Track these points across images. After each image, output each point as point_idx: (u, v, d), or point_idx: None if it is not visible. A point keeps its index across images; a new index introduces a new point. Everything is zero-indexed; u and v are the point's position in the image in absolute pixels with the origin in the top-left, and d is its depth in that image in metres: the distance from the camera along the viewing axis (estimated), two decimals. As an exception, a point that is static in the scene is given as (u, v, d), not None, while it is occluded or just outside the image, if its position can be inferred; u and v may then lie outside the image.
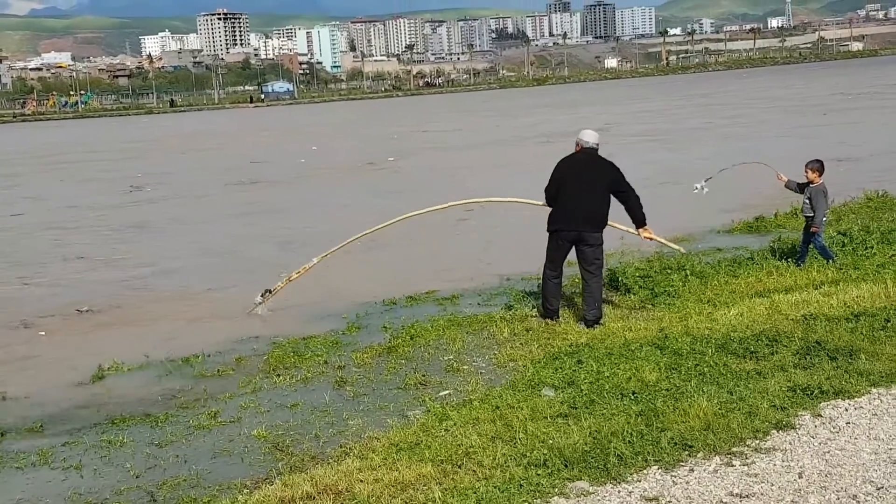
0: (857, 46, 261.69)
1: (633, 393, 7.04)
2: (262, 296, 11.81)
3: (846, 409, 6.46)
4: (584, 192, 9.56)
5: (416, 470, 5.92)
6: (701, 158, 26.50)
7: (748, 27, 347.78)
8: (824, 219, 11.41)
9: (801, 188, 11.44)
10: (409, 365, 8.84)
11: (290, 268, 12.31)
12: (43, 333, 11.85)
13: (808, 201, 11.31)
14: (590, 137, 9.83)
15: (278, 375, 8.92)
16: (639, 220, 9.99)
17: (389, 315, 11.30)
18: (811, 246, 11.44)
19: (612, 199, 9.79)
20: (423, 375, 8.40)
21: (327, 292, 12.92)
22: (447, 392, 7.91)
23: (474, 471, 5.87)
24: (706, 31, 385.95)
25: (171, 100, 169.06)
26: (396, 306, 11.83)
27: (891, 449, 5.78)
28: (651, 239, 10.47)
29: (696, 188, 12.07)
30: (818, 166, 11.31)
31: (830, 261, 11.26)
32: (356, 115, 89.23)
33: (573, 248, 9.74)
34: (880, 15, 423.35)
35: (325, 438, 7.04)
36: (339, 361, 9.19)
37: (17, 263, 17.41)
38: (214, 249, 17.97)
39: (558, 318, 9.92)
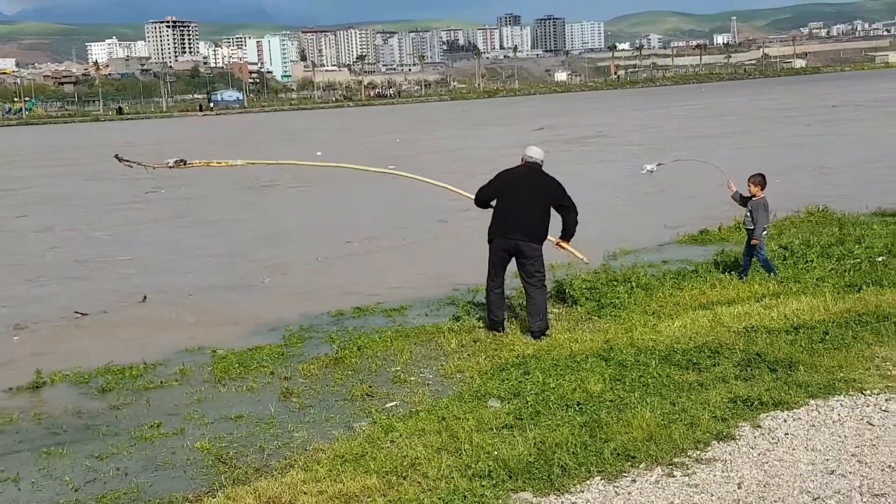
0: (800, 64, 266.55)
1: (578, 404, 7.08)
2: (174, 161, 10.57)
3: (785, 421, 6.55)
4: (524, 204, 9.64)
5: (361, 482, 5.90)
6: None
7: (694, 43, 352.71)
8: (765, 232, 11.59)
9: (744, 201, 11.62)
10: (356, 376, 8.81)
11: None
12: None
13: (749, 214, 11.49)
14: (535, 153, 9.95)
15: (223, 386, 8.84)
16: (567, 236, 10.05)
17: (337, 326, 11.25)
18: (754, 259, 11.61)
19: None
20: (370, 387, 8.38)
21: (276, 302, 12.85)
22: (394, 403, 7.90)
23: (419, 482, 5.86)
24: (654, 47, 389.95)
25: (119, 107, 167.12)
26: (344, 317, 11.78)
27: (827, 460, 5.88)
28: (563, 248, 10.42)
29: (645, 169, 12.26)
30: (760, 180, 11.50)
31: (772, 274, 11.43)
32: (326, 123, 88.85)
33: (513, 259, 9.80)
34: (823, 33, 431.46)
35: (270, 450, 6.98)
36: (285, 372, 9.13)
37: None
38: (163, 258, 17.79)
39: (504, 329, 9.95)
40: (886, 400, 6.82)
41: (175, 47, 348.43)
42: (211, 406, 8.27)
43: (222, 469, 6.67)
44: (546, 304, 9.92)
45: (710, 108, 75.26)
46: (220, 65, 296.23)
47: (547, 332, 9.63)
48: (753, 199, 11.43)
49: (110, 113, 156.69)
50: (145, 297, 13.49)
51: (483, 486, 5.72)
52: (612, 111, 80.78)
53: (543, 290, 9.87)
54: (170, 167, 10.52)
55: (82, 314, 12.81)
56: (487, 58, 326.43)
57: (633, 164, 24.06)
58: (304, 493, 5.84)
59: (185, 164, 10.53)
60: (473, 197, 10.19)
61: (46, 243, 20.78)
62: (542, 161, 9.95)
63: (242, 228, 21.55)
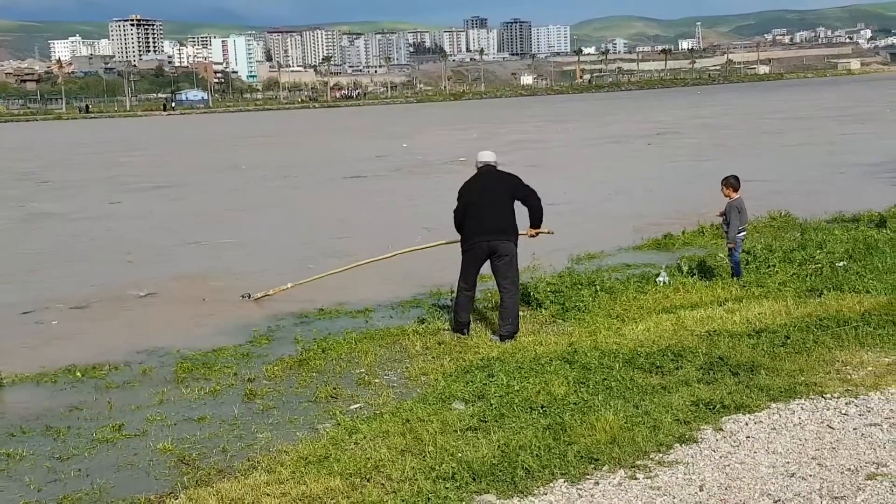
0: (763, 70, 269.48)
1: (542, 407, 7.12)
2: (241, 297, 12.76)
3: (746, 424, 6.62)
4: (489, 204, 9.75)
5: (325, 483, 5.90)
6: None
7: (660, 48, 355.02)
8: (740, 234, 11.65)
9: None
10: (321, 378, 8.79)
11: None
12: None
13: (723, 216, 11.61)
14: (486, 157, 10.10)
15: (186, 387, 8.78)
16: (534, 223, 10.12)
17: (301, 328, 11.21)
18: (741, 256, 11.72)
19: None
20: (335, 388, 8.36)
21: (241, 303, 12.78)
22: (358, 405, 7.89)
23: (383, 484, 5.87)
24: (619, 51, 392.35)
25: (86, 105, 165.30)
26: (309, 319, 11.74)
27: (788, 462, 5.95)
28: (535, 234, 10.42)
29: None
30: (733, 182, 11.60)
31: (738, 278, 11.54)
32: (295, 125, 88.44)
33: (488, 261, 9.86)
34: (786, 40, 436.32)
35: (233, 452, 6.95)
36: (249, 374, 9.09)
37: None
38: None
39: (468, 332, 9.97)
40: (846, 403, 6.91)
41: (139, 46, 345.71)
42: (174, 407, 8.22)
43: (185, 470, 6.63)
44: (517, 307, 9.93)
45: (743, 107, 76.06)
46: (185, 64, 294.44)
47: (515, 336, 9.66)
48: (727, 201, 11.54)
49: (72, 112, 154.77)
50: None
51: (447, 488, 5.73)
52: (650, 110, 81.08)
53: (516, 293, 9.89)
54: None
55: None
56: (454, 60, 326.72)
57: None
58: (267, 494, 5.83)
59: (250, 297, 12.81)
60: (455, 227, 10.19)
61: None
62: (495, 162, 10.08)
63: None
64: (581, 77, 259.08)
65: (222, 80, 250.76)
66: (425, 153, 41.07)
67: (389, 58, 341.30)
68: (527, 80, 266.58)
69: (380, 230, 19.18)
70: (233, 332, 11.15)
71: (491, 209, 9.74)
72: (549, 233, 10.64)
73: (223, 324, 11.70)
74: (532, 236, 10.40)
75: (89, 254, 18.49)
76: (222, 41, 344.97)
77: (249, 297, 12.85)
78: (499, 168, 10.10)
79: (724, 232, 11.75)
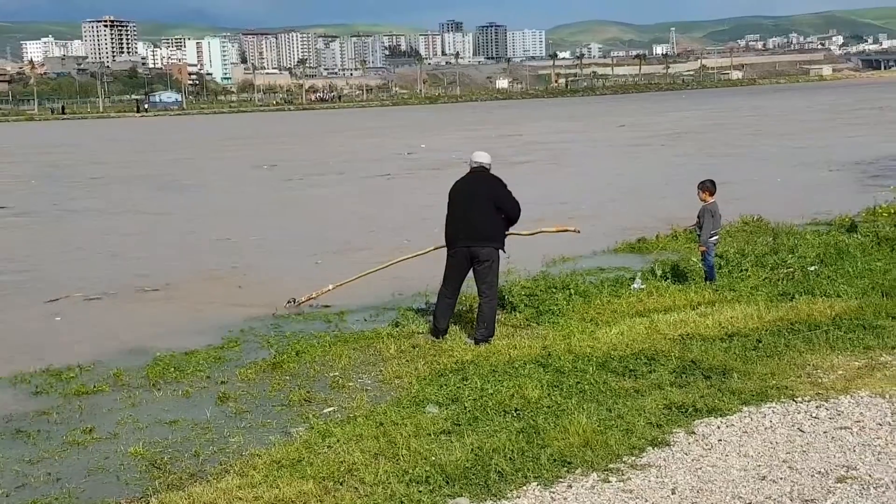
0: (736, 75, 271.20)
1: (516, 410, 7.13)
2: (287, 303, 12.35)
3: (718, 427, 6.66)
4: (470, 208, 9.73)
5: (297, 487, 5.88)
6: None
7: (634, 53, 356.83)
8: (713, 238, 11.71)
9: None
10: (294, 381, 8.76)
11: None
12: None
13: (697, 220, 11.68)
14: (479, 157, 10.03)
15: (158, 390, 8.73)
16: (507, 226, 9.97)
17: (275, 330, 11.17)
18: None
19: None
20: (308, 392, 8.34)
21: (215, 305, 12.73)
22: (331, 409, 7.87)
23: (356, 488, 5.86)
24: (594, 56, 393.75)
25: (62, 106, 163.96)
26: (283, 321, 11.70)
27: (759, 465, 5.99)
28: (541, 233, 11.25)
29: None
30: (709, 186, 11.69)
31: (711, 282, 11.60)
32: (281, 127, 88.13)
33: (471, 269, 9.81)
34: (759, 46, 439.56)
35: (205, 456, 6.91)
36: (221, 377, 9.05)
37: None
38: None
39: (445, 337, 9.91)
40: (817, 407, 6.97)
41: (113, 47, 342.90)
42: (145, 410, 8.17)
43: (156, 474, 6.59)
44: (494, 312, 9.87)
45: (760, 109, 76.95)
46: (159, 66, 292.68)
47: (489, 340, 9.63)
48: (702, 205, 11.61)
49: (44, 113, 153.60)
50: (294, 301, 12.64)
51: (420, 491, 5.73)
52: (664, 111, 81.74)
53: (493, 298, 9.83)
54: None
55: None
56: (429, 64, 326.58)
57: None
58: (240, 498, 5.80)
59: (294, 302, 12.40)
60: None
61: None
62: (488, 164, 10.02)
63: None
64: (556, 81, 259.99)
65: (196, 82, 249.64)
66: (446, 152, 41.24)
67: (365, 61, 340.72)
68: (502, 83, 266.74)
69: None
70: (207, 335, 11.09)
71: (470, 215, 9.69)
72: (575, 231, 10.89)
73: (196, 326, 11.64)
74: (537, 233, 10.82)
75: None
76: (197, 43, 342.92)
77: (294, 302, 12.37)
78: (490, 171, 10.01)
79: (697, 235, 11.83)
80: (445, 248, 10.08)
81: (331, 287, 12.55)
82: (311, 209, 25.05)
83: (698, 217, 11.67)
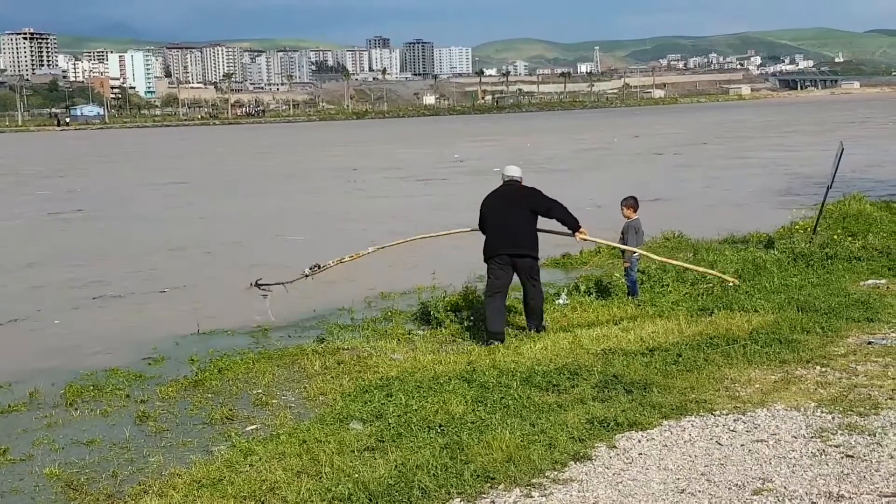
0: (658, 94, 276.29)
1: (440, 426, 7.11)
2: (310, 268, 11.16)
3: (639, 441, 6.73)
4: (505, 219, 10.23)
5: (218, 507, 5.78)
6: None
7: (559, 71, 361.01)
8: (636, 255, 11.86)
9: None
10: (216, 399, 8.64)
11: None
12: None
13: (621, 236, 11.83)
14: (512, 171, 10.58)
15: (76, 410, 8.54)
16: (570, 226, 10.50)
17: (198, 347, 11.02)
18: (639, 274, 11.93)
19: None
20: (230, 410, 8.23)
21: (137, 321, 12.52)
22: (254, 427, 7.77)
23: (278, 506, 5.78)
24: (520, 73, 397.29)
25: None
26: (206, 338, 11.55)
27: (678, 479, 6.05)
28: (587, 240, 11.06)
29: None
30: (632, 203, 11.86)
31: (634, 297, 11.75)
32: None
33: (514, 273, 10.28)
34: (681, 65, 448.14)
35: (124, 476, 6.77)
36: (141, 395, 8.89)
37: None
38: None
39: (503, 340, 10.08)
40: (734, 420, 7.08)
41: (33, 60, 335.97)
42: (62, 430, 7.98)
43: (73, 496, 6.44)
44: (542, 307, 10.58)
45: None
46: (81, 79, 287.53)
47: (541, 332, 10.23)
48: (626, 221, 11.77)
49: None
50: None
51: (343, 509, 5.68)
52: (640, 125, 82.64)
53: (539, 294, 10.47)
54: (307, 276, 10.93)
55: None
56: (356, 79, 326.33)
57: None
58: (159, 519, 5.69)
59: (319, 268, 11.06)
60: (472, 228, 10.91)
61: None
62: (519, 177, 10.54)
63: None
64: (483, 98, 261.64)
65: (119, 96, 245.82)
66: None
67: (291, 76, 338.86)
68: (429, 100, 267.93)
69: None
70: (126, 352, 10.90)
71: (508, 225, 10.19)
72: (733, 283, 11.48)
73: (116, 343, 11.44)
74: (583, 239, 10.80)
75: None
76: (120, 56, 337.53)
77: (318, 267, 11.08)
78: (522, 183, 10.50)
79: (621, 251, 11.97)
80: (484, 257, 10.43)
81: (306, 271, 11.18)
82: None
83: (622, 233, 11.83)
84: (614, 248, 12.14)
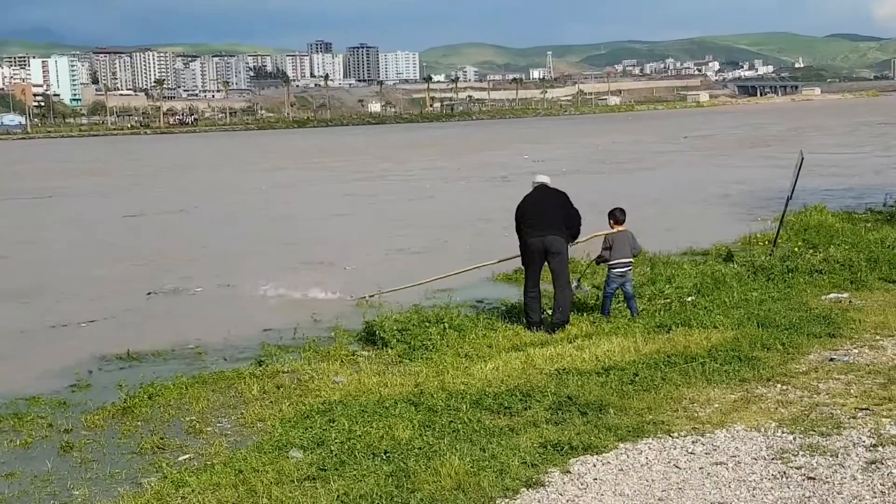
0: (614, 101, 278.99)
1: (386, 452, 7.10)
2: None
3: (594, 465, 6.76)
4: (545, 209, 11.60)
5: (148, 543, 5.71)
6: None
7: (511, 77, 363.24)
8: (618, 270, 11.83)
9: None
10: (147, 427, 8.53)
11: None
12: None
13: (609, 247, 11.90)
14: (542, 178, 12.16)
15: (-7, 441, 8.38)
16: (573, 236, 11.79)
17: (127, 372, 10.88)
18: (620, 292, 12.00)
19: None
20: (162, 438, 8.13)
21: (60, 344, 12.33)
22: (187, 456, 7.69)
23: (212, 541, 5.72)
24: (470, 79, 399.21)
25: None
26: (135, 362, 11.41)
27: (635, 504, 6.10)
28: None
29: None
30: (617, 214, 11.97)
31: (605, 314, 11.79)
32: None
33: (544, 262, 11.53)
34: (636, 71, 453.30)
35: (46, 511, 6.66)
36: (65, 424, 8.75)
37: None
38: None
39: (542, 328, 11.38)
40: (693, 442, 7.15)
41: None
42: (-21, 463, 7.83)
43: (-10, 534, 6.32)
44: (567, 300, 11.61)
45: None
46: (0, 86, 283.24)
47: (564, 325, 11.31)
48: (615, 232, 11.86)
49: None
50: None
51: (282, 543, 5.63)
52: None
53: (566, 287, 11.58)
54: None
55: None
56: (297, 86, 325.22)
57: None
58: (84, 557, 5.60)
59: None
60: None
61: None
62: (549, 182, 12.04)
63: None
64: (431, 105, 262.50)
65: (42, 104, 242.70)
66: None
67: (228, 82, 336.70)
68: (375, 107, 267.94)
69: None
70: (49, 378, 10.73)
71: (547, 213, 11.58)
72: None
73: (38, 368, 11.26)
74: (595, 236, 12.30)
75: None
76: (42, 61, 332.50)
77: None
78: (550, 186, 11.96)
79: (603, 260, 12.02)
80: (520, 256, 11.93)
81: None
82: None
83: (610, 245, 11.91)
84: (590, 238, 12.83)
